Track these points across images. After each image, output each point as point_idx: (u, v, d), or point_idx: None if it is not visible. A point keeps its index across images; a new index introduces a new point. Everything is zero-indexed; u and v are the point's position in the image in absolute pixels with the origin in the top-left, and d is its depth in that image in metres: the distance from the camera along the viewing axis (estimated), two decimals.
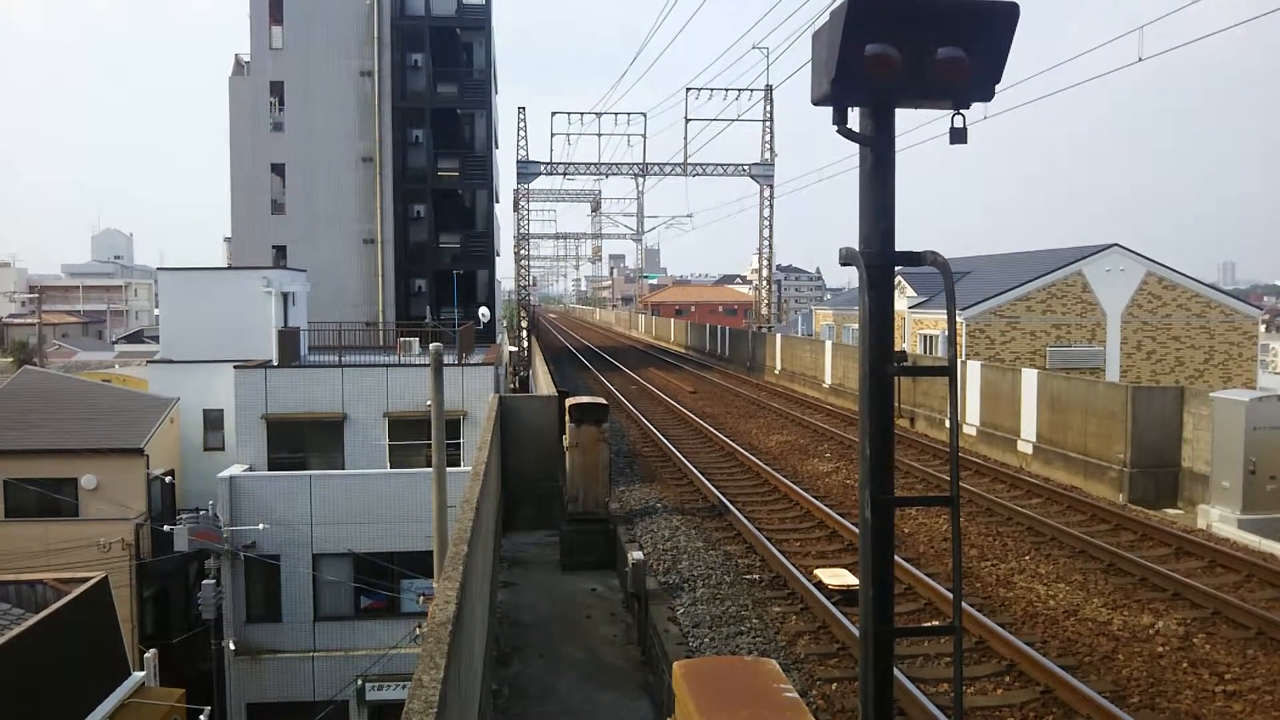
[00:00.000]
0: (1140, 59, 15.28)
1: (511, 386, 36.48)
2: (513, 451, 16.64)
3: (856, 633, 7.03)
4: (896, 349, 3.25)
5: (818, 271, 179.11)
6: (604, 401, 14.80)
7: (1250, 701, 8.09)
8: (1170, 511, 15.53)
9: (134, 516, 22.99)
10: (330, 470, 23.48)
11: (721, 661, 7.14)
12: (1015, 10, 3.07)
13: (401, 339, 29.55)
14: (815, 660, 9.23)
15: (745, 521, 14.01)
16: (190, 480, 26.68)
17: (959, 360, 24.84)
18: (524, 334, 50.30)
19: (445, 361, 16.72)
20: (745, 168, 45.74)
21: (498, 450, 14.58)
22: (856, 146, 3.26)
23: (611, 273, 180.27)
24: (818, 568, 11.82)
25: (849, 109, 3.16)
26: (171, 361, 28.69)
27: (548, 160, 46.13)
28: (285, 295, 30.36)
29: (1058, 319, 34.36)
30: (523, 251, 55.02)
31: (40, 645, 12.99)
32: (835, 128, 3.17)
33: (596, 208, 75.76)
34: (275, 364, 25.62)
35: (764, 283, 50.19)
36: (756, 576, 11.89)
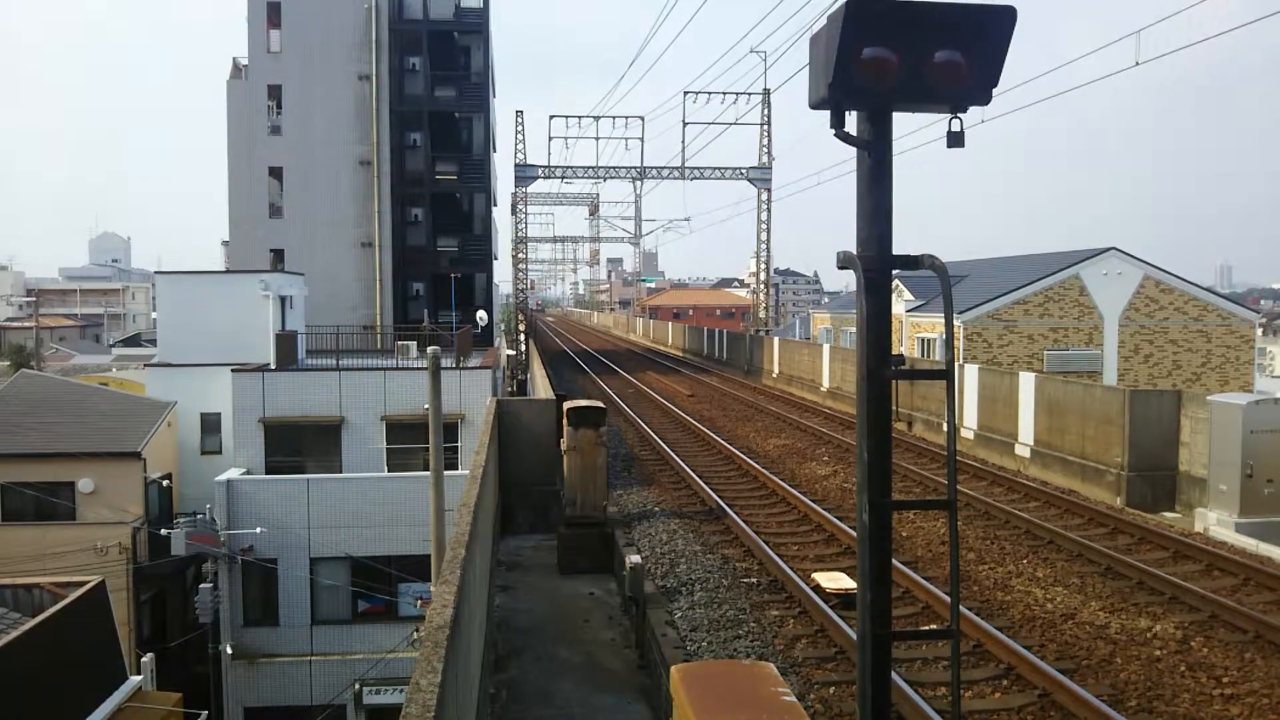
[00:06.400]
0: (1138, 63, 15.32)
1: (509, 390, 36.42)
2: (510, 455, 16.62)
3: (854, 636, 7.02)
4: (894, 352, 3.25)
5: (815, 275, 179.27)
6: (601, 405, 14.80)
7: (1248, 705, 8.09)
8: (1168, 515, 15.54)
9: (131, 520, 22.97)
10: (328, 474, 23.47)
11: (719, 665, 7.14)
12: (1013, 14, 3.08)
13: (399, 342, 29.56)
14: (813, 664, 9.22)
15: (743, 525, 14.00)
16: (187, 484, 26.65)
17: (956, 363, 24.85)
18: (521, 337, 50.24)
19: (443, 365, 16.72)
20: (743, 171, 45.76)
21: (495, 454, 14.56)
22: (854, 150, 3.26)
23: (609, 276, 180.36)
24: (815, 571, 11.82)
25: (847, 112, 3.16)
26: (169, 365, 28.67)
27: (545, 164, 46.11)
28: (283, 299, 30.35)
29: (1055, 322, 34.40)
30: (520, 255, 54.97)
31: (37, 649, 12.97)
32: (833, 131, 3.17)
33: (594, 211, 75.74)
34: (273, 367, 25.65)
35: (762, 286, 50.21)
36: (754, 580, 11.88)
